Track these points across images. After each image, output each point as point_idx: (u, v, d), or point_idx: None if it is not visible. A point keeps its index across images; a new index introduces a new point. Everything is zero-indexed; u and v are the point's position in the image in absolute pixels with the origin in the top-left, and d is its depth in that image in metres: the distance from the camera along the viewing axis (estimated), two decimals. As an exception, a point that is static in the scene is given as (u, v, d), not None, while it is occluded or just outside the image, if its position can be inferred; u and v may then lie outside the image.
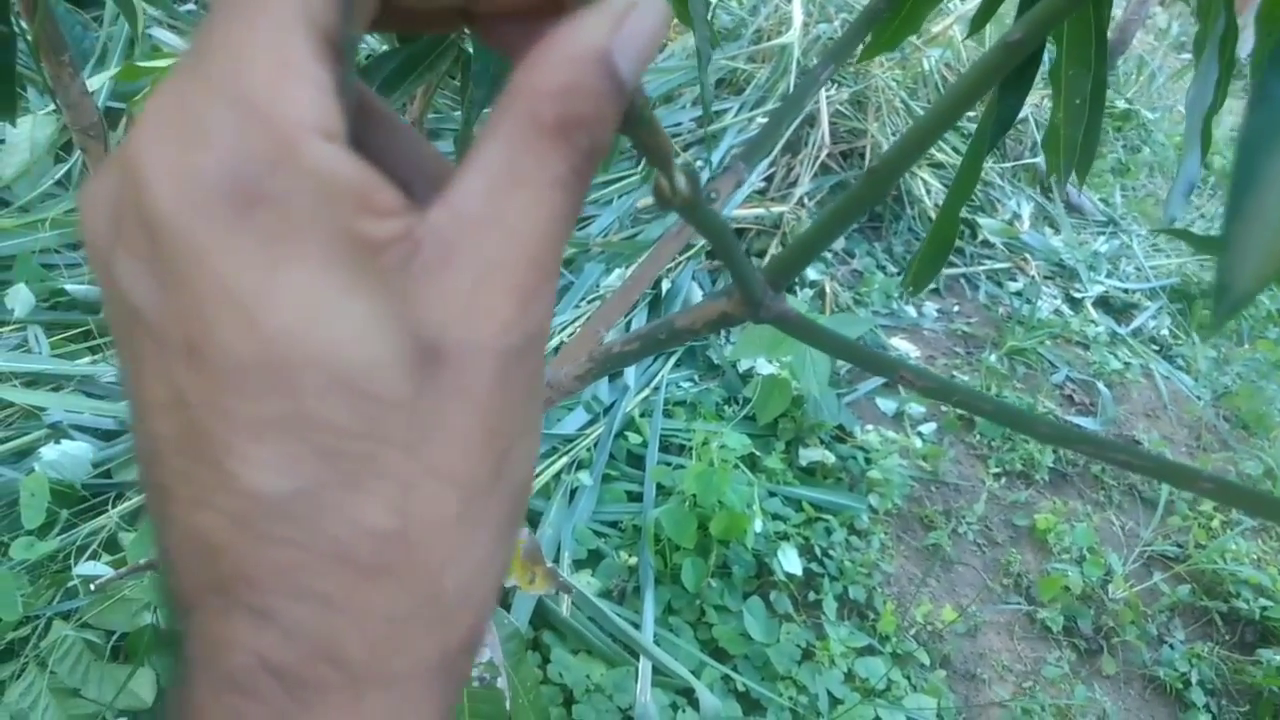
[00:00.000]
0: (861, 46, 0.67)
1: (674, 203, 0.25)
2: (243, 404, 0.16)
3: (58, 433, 1.43)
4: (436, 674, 0.18)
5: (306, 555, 0.16)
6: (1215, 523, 2.11)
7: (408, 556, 0.17)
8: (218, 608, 0.17)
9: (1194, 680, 1.76)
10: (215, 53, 0.17)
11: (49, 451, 1.35)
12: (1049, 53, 0.59)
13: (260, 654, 0.17)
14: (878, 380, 2.29)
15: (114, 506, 1.36)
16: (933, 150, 2.95)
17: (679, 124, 2.53)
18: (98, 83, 1.77)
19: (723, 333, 2.29)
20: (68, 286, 1.65)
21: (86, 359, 1.58)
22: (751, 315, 0.46)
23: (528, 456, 0.20)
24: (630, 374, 1.96)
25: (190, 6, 2.14)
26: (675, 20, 0.83)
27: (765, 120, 2.61)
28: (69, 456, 1.35)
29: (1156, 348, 2.84)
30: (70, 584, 1.24)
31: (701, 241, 2.36)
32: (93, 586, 1.12)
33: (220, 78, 0.16)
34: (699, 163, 2.45)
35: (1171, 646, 1.84)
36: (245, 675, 0.17)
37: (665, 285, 2.19)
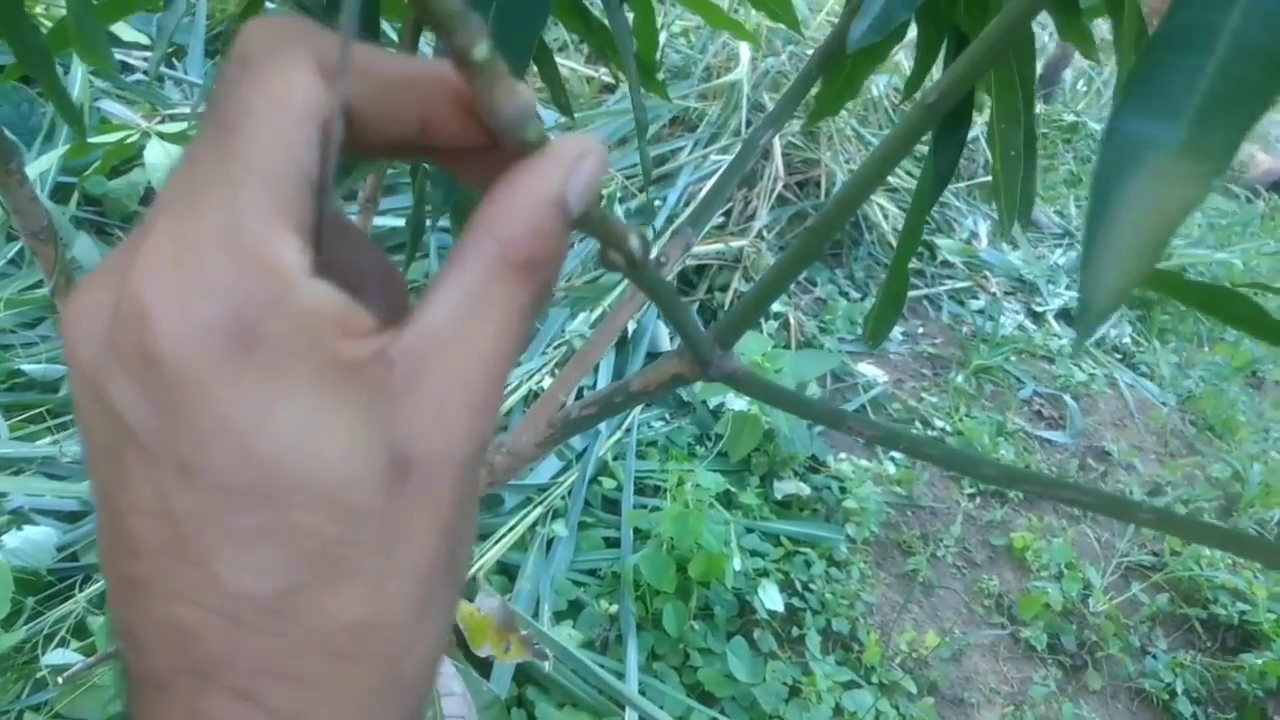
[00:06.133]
0: (806, 110, 0.68)
1: (623, 269, 0.26)
2: (232, 517, 0.18)
3: (20, 518, 1.40)
4: None
5: (286, 643, 0.18)
6: (1188, 529, 2.12)
7: (375, 643, 0.19)
8: (195, 688, 0.18)
9: (1179, 690, 1.77)
10: (210, 199, 0.18)
11: (11, 539, 1.32)
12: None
13: None
14: (848, 407, 2.30)
15: (81, 590, 1.33)
16: (890, 177, 2.98)
17: (635, 165, 2.54)
18: (47, 162, 1.76)
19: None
20: (25, 367, 1.63)
21: (47, 439, 1.55)
22: (702, 375, 0.47)
23: (470, 547, 0.22)
24: (601, 418, 1.95)
25: (138, 77, 2.13)
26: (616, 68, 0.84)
27: (710, 186, 2.64)
28: (32, 542, 1.33)
29: (1120, 356, 2.88)
30: (39, 675, 1.21)
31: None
32: (60, 679, 1.10)
33: (218, 225, 0.18)
34: (658, 202, 2.46)
35: (1155, 657, 1.85)
36: None
37: (631, 327, 2.20)
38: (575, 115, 2.57)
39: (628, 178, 2.47)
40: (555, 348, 2.06)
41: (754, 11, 2.92)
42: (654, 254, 0.65)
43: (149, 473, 0.18)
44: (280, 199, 0.19)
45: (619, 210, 2.36)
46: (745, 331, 0.46)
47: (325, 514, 0.18)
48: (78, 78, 1.93)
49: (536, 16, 0.48)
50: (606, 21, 0.69)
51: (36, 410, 1.59)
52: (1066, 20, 0.58)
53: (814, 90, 0.64)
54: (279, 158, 0.19)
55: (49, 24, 1.80)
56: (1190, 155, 0.22)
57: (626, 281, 1.97)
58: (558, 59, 2.75)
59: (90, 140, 1.81)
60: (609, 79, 2.84)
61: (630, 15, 0.81)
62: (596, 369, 2.09)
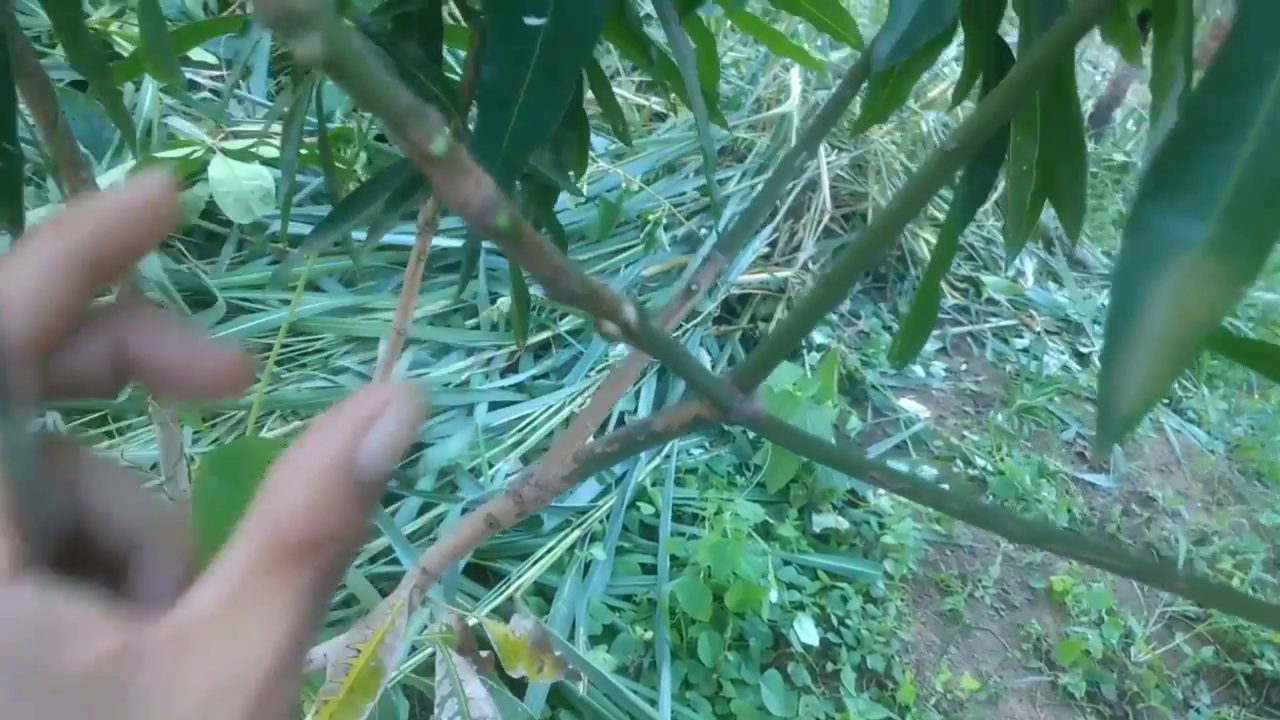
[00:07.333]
0: (850, 121, 0.68)
1: (622, 339, 0.24)
2: None
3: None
4: None
5: None
6: (1235, 580, 2.09)
7: None
8: None
9: (1222, 745, 1.73)
10: None
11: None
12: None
13: None
14: (889, 442, 2.29)
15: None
16: (932, 209, 2.98)
17: (683, 193, 2.57)
18: (117, 175, 1.81)
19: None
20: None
21: (104, 444, 1.60)
22: (724, 418, 0.47)
23: None
24: (641, 443, 1.96)
25: (205, 95, 2.20)
26: (674, 96, 0.86)
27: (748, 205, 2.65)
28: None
29: (1166, 400, 2.84)
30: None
31: (709, 309, 2.38)
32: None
33: None
34: (703, 231, 2.48)
35: (1198, 711, 1.81)
36: None
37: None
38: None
39: (675, 206, 2.49)
40: (599, 371, 2.07)
41: (817, 38, 2.94)
42: (687, 283, 0.66)
43: None
44: None
45: (664, 237, 2.38)
46: (768, 374, 0.46)
47: None
48: (148, 95, 1.99)
49: (585, 41, 0.47)
50: (669, 53, 0.71)
51: (97, 414, 1.63)
52: (1114, 23, 0.55)
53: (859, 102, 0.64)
54: None
55: (123, 42, 1.86)
56: (1217, 254, 0.20)
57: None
58: (610, 87, 2.79)
59: (157, 155, 1.87)
60: (659, 108, 2.87)
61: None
62: (638, 394, 2.10)
